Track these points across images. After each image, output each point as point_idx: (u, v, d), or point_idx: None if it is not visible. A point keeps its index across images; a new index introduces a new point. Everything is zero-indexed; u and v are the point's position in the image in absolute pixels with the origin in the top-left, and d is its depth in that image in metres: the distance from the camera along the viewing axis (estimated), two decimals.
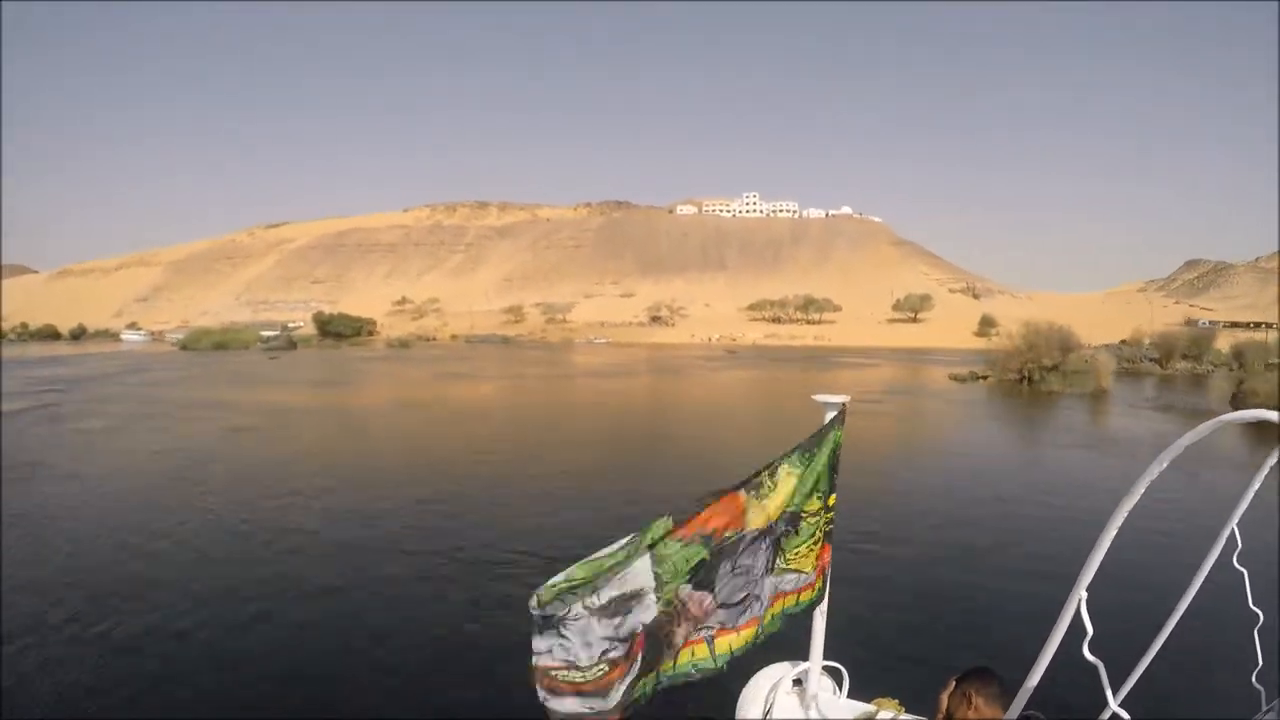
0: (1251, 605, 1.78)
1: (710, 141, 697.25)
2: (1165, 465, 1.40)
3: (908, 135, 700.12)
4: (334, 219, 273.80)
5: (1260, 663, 1.85)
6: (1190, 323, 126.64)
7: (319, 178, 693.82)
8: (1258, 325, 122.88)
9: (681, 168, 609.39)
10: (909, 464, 18.32)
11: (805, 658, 3.50)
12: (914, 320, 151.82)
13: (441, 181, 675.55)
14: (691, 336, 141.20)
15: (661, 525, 2.51)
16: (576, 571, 2.35)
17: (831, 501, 3.04)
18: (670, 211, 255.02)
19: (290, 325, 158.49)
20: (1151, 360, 55.38)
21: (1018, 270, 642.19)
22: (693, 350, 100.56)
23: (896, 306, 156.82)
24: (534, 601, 2.31)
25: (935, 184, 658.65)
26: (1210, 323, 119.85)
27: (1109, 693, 1.50)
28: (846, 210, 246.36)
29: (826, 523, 3.09)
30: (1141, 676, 1.68)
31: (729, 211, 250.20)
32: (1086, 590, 1.49)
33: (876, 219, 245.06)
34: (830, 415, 3.10)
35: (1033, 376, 39.46)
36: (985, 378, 42.38)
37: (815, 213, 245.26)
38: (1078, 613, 1.50)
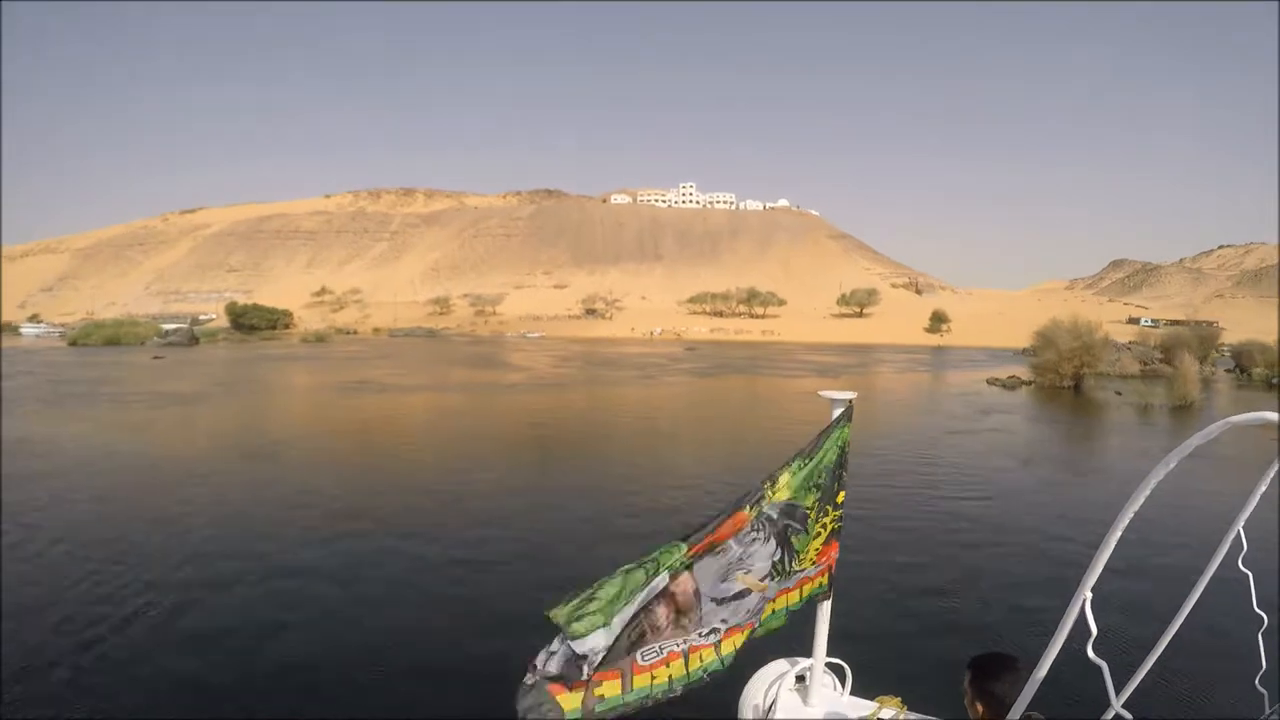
0: (1256, 608, 1.76)
1: (644, 132, 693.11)
2: (1172, 467, 1.36)
3: (844, 129, 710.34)
4: (253, 204, 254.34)
5: (1264, 666, 1.84)
6: (1132, 321, 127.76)
7: (238, 162, 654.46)
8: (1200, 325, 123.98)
9: (615, 158, 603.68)
10: None
11: (808, 654, 3.36)
12: (860, 315, 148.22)
13: (366, 167, 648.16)
14: (632, 330, 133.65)
15: (677, 550, 2.50)
16: (600, 592, 2.33)
17: (840, 499, 2.97)
18: (604, 201, 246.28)
19: (201, 318, 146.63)
20: (1160, 361, 51.01)
21: (943, 267, 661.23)
22: (638, 346, 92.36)
23: (842, 301, 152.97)
24: (567, 626, 2.26)
25: (869, 179, 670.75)
26: (1155, 321, 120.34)
27: (1112, 693, 1.50)
28: (784, 203, 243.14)
29: (836, 520, 3.02)
30: (1145, 678, 1.66)
31: (665, 202, 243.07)
32: (1091, 591, 1.47)
33: (814, 212, 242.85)
34: (837, 411, 2.99)
35: (1080, 383, 33.34)
36: (1029, 383, 36.64)
37: (753, 204, 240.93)
38: (1082, 613, 1.47)
